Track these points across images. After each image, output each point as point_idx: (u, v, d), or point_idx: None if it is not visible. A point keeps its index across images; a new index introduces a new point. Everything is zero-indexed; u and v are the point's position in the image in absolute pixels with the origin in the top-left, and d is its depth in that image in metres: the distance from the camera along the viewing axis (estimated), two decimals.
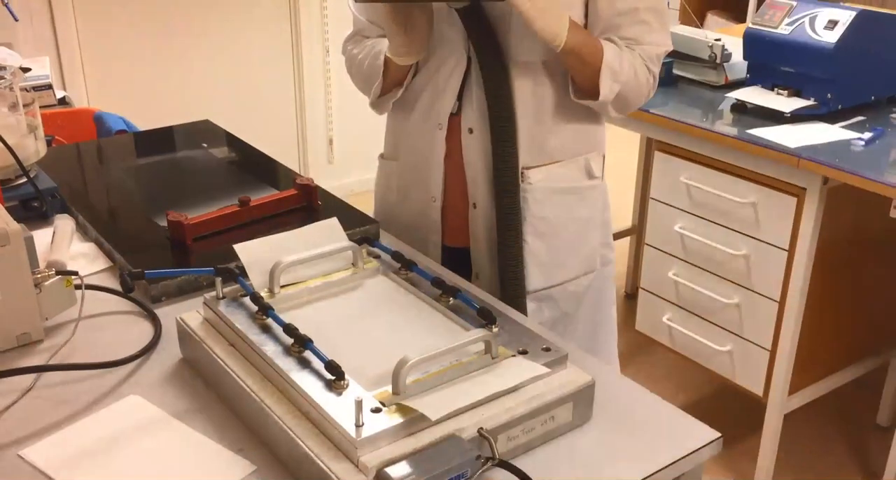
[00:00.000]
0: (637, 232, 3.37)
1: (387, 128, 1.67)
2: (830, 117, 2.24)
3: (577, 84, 1.46)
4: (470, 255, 1.57)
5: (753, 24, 2.32)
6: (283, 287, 1.15)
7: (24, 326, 1.19)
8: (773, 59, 2.29)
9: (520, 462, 0.92)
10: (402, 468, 0.86)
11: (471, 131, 1.50)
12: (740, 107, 2.34)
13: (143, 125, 2.39)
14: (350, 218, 1.50)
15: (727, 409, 2.67)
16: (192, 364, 1.16)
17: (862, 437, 2.63)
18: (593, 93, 1.44)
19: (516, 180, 1.48)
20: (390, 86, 1.55)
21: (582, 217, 1.57)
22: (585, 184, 1.56)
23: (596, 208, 1.60)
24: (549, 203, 1.52)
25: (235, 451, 0.99)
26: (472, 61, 1.46)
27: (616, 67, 1.42)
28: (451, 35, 1.47)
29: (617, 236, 3.10)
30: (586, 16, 1.46)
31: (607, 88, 1.42)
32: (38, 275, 1.20)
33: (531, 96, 1.47)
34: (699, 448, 1.01)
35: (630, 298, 3.34)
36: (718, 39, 2.47)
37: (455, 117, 1.51)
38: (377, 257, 1.26)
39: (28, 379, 1.12)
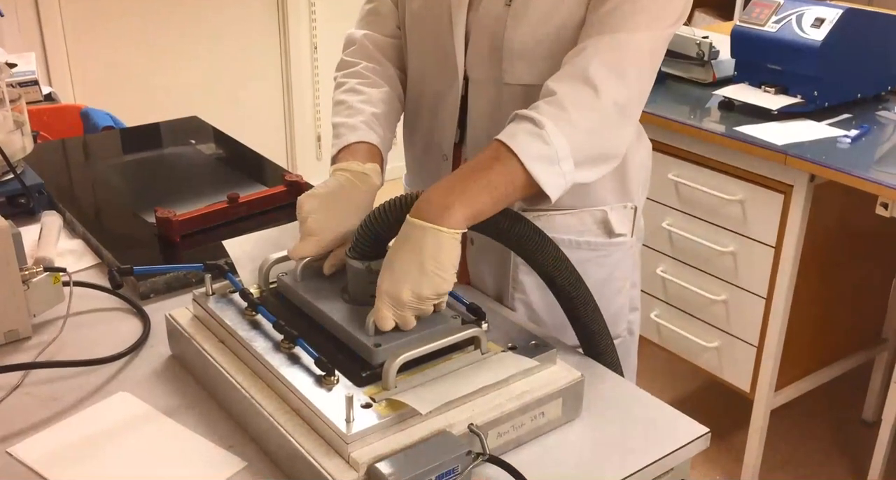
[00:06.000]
0: None
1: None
2: (817, 115, 2.26)
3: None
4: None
5: (741, 21, 2.33)
6: (272, 283, 1.15)
7: (11, 323, 1.19)
8: (760, 57, 2.30)
9: (510, 458, 0.93)
10: (393, 463, 0.86)
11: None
12: (728, 105, 2.35)
13: (130, 121, 2.38)
14: None
15: (714, 405, 2.69)
16: (181, 360, 1.15)
17: (848, 433, 2.65)
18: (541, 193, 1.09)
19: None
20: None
21: (596, 278, 1.29)
22: (600, 240, 1.33)
23: (619, 269, 1.37)
24: None
25: (225, 448, 0.99)
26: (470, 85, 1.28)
27: (541, 146, 1.06)
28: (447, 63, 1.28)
29: None
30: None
31: (549, 177, 1.07)
32: (26, 272, 1.19)
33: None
34: (687, 444, 1.01)
35: None
36: (706, 37, 2.48)
37: (459, 147, 1.33)
38: None
39: (16, 376, 1.11)
